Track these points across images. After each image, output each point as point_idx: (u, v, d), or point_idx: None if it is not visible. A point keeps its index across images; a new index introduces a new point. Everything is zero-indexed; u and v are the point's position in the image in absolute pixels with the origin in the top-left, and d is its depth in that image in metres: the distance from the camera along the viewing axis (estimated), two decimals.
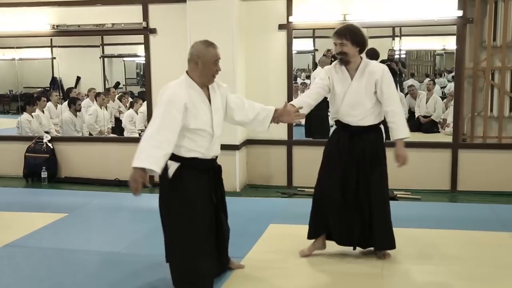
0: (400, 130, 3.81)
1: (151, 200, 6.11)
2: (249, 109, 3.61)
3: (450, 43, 6.73)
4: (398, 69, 9.30)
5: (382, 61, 8.97)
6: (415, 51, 10.51)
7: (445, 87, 10.19)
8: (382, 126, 3.97)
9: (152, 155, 3.09)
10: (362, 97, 3.79)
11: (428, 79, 9.58)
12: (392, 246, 4.00)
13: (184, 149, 3.32)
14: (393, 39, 9.53)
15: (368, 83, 3.78)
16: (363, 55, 3.90)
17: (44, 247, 4.54)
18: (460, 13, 6.02)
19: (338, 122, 3.95)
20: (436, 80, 9.97)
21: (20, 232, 4.84)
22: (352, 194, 3.86)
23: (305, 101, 3.89)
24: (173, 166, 3.32)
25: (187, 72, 3.39)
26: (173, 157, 3.29)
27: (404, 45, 9.81)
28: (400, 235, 4.57)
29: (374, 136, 3.88)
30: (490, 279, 3.70)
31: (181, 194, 3.33)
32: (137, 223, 5.14)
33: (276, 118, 3.65)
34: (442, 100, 9.08)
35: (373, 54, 6.27)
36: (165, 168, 3.26)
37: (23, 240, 4.67)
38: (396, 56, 9.52)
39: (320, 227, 3.99)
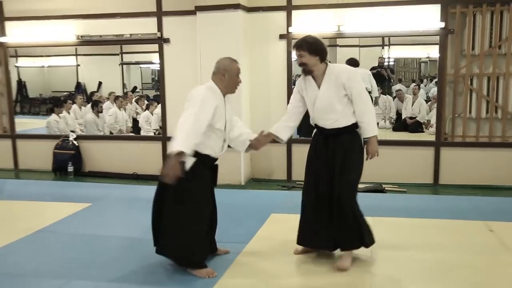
0: (368, 129, 3.58)
1: None
2: (239, 127, 3.74)
3: (433, 52, 6.74)
4: (387, 74, 9.32)
5: (373, 68, 9.01)
6: (403, 59, 10.51)
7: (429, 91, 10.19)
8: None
9: (190, 143, 3.22)
10: (332, 101, 3.55)
11: (413, 84, 9.59)
12: (355, 246, 3.68)
13: (203, 146, 3.42)
14: (383, 47, 9.54)
15: (336, 87, 3.54)
16: (330, 61, 3.69)
17: (71, 233, 4.58)
18: (442, 24, 6.04)
19: (315, 125, 3.76)
20: (424, 86, 9.98)
21: (50, 219, 4.88)
22: (325, 196, 3.64)
23: (287, 125, 3.79)
24: (191, 160, 3.39)
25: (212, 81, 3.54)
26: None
27: (393, 53, 9.82)
28: (388, 223, 4.64)
29: (347, 137, 3.61)
30: (467, 262, 3.73)
31: (196, 185, 3.46)
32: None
33: (252, 146, 3.76)
34: (427, 103, 9.09)
35: (353, 63, 6.28)
36: (182, 161, 3.32)
37: (53, 227, 4.71)
38: (386, 63, 9.54)
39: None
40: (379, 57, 9.26)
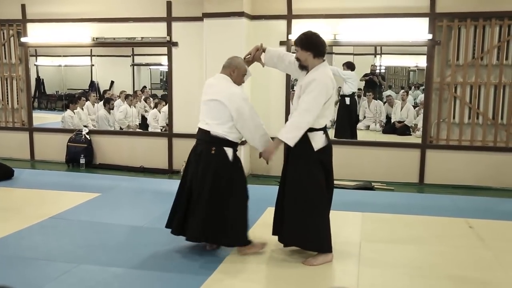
0: (282, 131, 3.34)
1: (170, 184, 6.20)
2: None
3: (421, 61, 6.73)
4: (379, 81, 9.29)
5: (365, 75, 8.98)
6: (393, 67, 10.48)
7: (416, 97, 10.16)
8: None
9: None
10: (296, 101, 3.38)
11: (402, 90, 9.56)
12: (295, 244, 3.55)
13: (237, 136, 3.52)
14: (375, 56, 9.49)
15: (300, 88, 3.36)
16: (325, 62, 3.40)
17: (81, 220, 4.56)
18: (430, 36, 6.02)
19: None
20: (411, 93, 9.94)
21: (62, 207, 4.86)
22: (281, 195, 3.56)
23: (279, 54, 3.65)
24: (230, 151, 3.48)
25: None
26: (228, 142, 3.48)
27: (384, 61, 9.78)
28: (375, 218, 4.63)
29: (302, 138, 3.33)
30: (447, 254, 3.73)
31: (241, 173, 3.60)
32: (157, 203, 5.15)
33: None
34: (414, 108, 9.06)
35: (350, 65, 6.29)
36: (224, 153, 3.44)
37: (64, 214, 4.69)
38: (377, 71, 9.50)
39: None
40: (372, 65, 9.22)
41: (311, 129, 3.35)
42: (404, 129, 8.62)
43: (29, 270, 3.39)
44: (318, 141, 3.40)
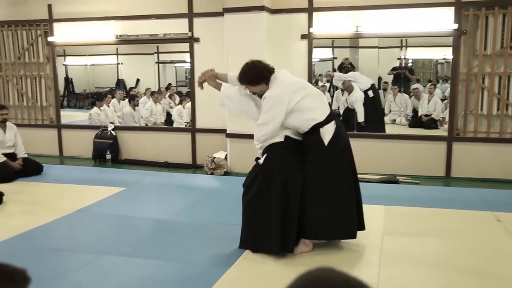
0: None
1: (193, 179, 6.28)
2: None
3: (449, 54, 6.58)
4: (407, 75, 9.16)
5: (394, 69, 8.87)
6: (421, 60, 10.31)
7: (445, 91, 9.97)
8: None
9: None
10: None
11: (430, 83, 9.39)
12: (331, 237, 3.66)
13: None
14: (401, 49, 9.36)
15: None
16: (275, 74, 3.40)
17: (106, 213, 4.66)
18: (456, 26, 5.89)
19: None
20: (440, 86, 9.76)
21: (88, 200, 4.97)
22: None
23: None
24: None
25: None
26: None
27: (410, 54, 9.63)
28: (399, 212, 4.57)
29: (313, 136, 3.46)
30: (473, 249, 3.66)
31: None
32: (180, 197, 5.23)
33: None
34: (442, 102, 8.89)
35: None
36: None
37: (90, 207, 4.79)
38: (406, 64, 9.36)
39: None
40: (402, 59, 9.10)
41: (317, 126, 3.38)
42: (431, 123, 8.48)
43: (55, 260, 3.49)
44: (326, 134, 3.39)
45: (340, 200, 3.44)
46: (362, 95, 7.52)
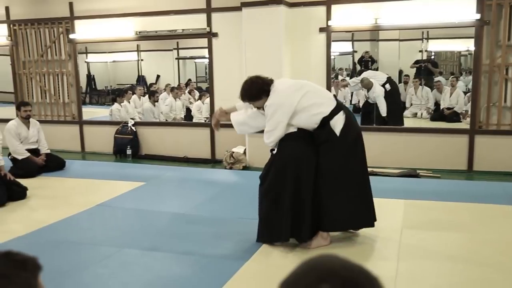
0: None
1: (212, 173, 6.31)
2: None
3: (472, 45, 6.44)
4: (429, 68, 9.02)
5: (416, 62, 8.74)
6: (443, 53, 10.12)
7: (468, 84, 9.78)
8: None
9: None
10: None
11: (452, 76, 9.22)
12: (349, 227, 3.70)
13: None
14: (422, 41, 9.21)
15: None
16: (272, 85, 3.48)
17: (126, 207, 4.72)
18: (478, 16, 5.76)
19: None
20: (463, 78, 9.58)
21: (109, 195, 5.04)
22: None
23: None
24: None
25: None
26: None
27: (432, 47, 9.46)
28: (419, 206, 4.51)
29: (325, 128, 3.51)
30: (494, 243, 3.59)
31: None
32: (199, 192, 5.26)
33: None
34: (465, 95, 8.73)
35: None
36: None
37: (111, 201, 4.86)
38: (431, 57, 9.22)
39: None
40: (419, 51, 8.95)
41: (326, 119, 3.40)
42: (453, 116, 8.33)
43: (75, 253, 3.56)
44: (336, 125, 3.41)
45: (355, 188, 3.47)
46: (382, 89, 7.46)
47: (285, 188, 3.42)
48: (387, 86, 7.52)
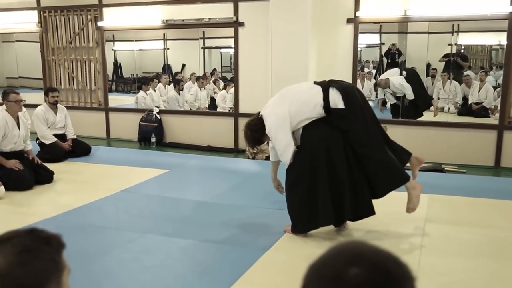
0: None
1: (235, 162, 6.33)
2: None
3: (504, 39, 6.26)
4: (458, 61, 8.81)
5: (446, 55, 8.56)
6: (474, 46, 9.87)
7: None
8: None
9: None
10: None
11: (481, 71, 9.00)
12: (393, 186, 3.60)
13: None
14: (452, 34, 9.00)
15: None
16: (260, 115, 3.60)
17: (150, 194, 4.78)
18: (511, 8, 5.60)
19: None
20: (493, 73, 9.33)
21: (133, 181, 5.09)
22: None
23: None
24: None
25: None
26: None
27: (463, 40, 9.23)
28: (444, 201, 4.43)
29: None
30: None
31: None
32: (222, 180, 5.27)
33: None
34: (495, 90, 8.51)
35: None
36: None
37: (135, 188, 4.91)
38: (459, 50, 9.00)
39: None
40: (449, 44, 8.75)
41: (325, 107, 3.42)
42: (482, 111, 8.14)
43: (99, 237, 3.62)
44: (337, 103, 3.41)
45: (387, 149, 3.47)
46: (400, 77, 7.41)
47: (318, 172, 3.38)
48: (404, 73, 7.46)
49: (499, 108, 6.23)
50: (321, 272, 0.80)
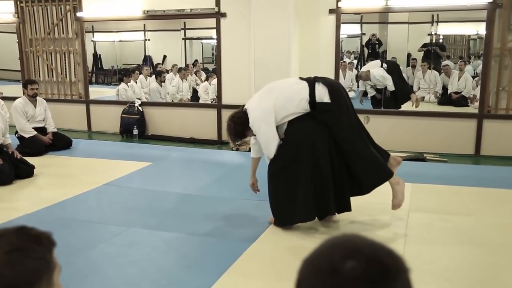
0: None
1: (218, 155, 6.30)
2: None
3: (482, 29, 6.34)
4: (436, 52, 8.90)
5: (424, 45, 8.63)
6: (452, 36, 9.98)
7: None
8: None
9: None
10: None
11: (460, 60, 9.11)
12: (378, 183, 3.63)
13: None
14: (432, 24, 9.07)
15: None
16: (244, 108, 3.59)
17: (133, 187, 4.74)
18: None
19: None
20: (471, 63, 9.45)
21: (116, 174, 5.04)
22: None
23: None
24: None
25: None
26: None
27: (442, 30, 9.33)
28: (426, 190, 4.49)
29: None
30: (504, 226, 3.58)
31: None
32: (206, 173, 5.25)
33: None
34: (474, 79, 8.63)
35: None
36: None
37: (117, 181, 4.86)
38: (440, 40, 9.09)
39: None
40: (431, 34, 8.83)
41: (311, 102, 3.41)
42: (461, 100, 8.25)
43: (84, 231, 3.57)
44: (323, 97, 3.41)
45: (370, 146, 3.50)
46: (381, 69, 7.43)
47: (301, 167, 3.37)
48: (384, 65, 7.49)
49: (478, 97, 6.32)
50: (317, 266, 0.79)
